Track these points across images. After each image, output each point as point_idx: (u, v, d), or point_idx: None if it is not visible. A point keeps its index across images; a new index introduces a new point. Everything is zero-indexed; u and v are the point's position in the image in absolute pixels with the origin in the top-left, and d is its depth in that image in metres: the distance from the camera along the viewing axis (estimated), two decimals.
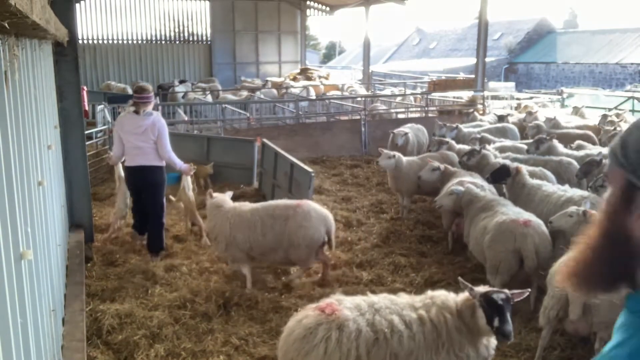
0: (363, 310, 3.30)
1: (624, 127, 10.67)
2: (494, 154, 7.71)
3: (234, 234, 5.52)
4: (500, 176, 6.34)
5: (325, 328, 3.16)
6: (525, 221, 4.98)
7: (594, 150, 7.97)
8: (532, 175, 6.46)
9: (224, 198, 5.90)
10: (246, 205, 5.84)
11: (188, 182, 7.01)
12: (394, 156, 7.86)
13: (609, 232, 1.01)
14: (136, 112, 6.35)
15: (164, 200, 6.64)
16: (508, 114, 12.23)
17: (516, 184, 6.21)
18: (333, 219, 5.76)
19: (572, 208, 4.89)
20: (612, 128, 10.01)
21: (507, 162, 6.84)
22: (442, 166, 7.18)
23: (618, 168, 1.01)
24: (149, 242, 6.52)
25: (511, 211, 5.28)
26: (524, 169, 6.34)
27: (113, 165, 7.24)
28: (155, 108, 13.89)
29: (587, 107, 16.35)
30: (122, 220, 7.15)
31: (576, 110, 14.09)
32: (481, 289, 3.30)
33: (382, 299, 3.43)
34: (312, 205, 5.70)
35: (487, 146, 8.25)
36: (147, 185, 6.46)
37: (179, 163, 6.63)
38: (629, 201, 0.98)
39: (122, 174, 6.99)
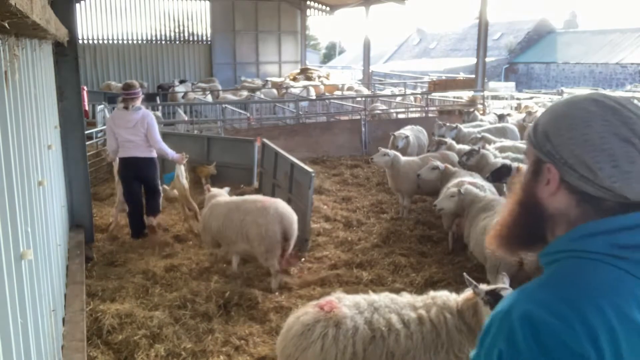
0: (362, 308, 3.30)
1: None
2: (493, 154, 7.71)
3: (210, 222, 5.86)
4: (501, 175, 6.33)
5: (323, 325, 3.17)
6: None
7: None
8: None
9: (220, 191, 6.29)
10: (228, 198, 6.16)
11: (181, 170, 7.27)
12: (389, 153, 7.87)
13: (523, 200, 1.22)
14: (125, 107, 6.77)
15: (159, 185, 7.14)
16: (508, 114, 12.22)
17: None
18: (295, 222, 5.65)
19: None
20: None
21: (507, 161, 6.84)
22: (442, 165, 7.18)
23: (530, 146, 1.22)
24: (147, 206, 7.05)
25: None
26: (524, 168, 6.34)
27: (112, 161, 7.59)
28: (156, 108, 14.00)
29: None
30: (122, 212, 7.31)
31: None
32: (485, 287, 3.30)
33: (382, 298, 3.43)
34: (277, 204, 5.71)
35: (487, 146, 8.24)
36: (141, 176, 6.88)
37: (171, 153, 7.03)
38: (537, 173, 1.19)
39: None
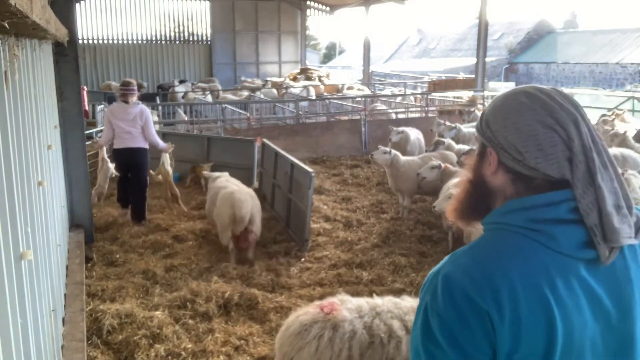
0: (363, 312, 3.28)
1: (621, 126, 10.60)
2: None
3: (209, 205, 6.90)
4: None
5: (320, 326, 3.16)
6: None
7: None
8: None
9: (219, 175, 7.30)
10: (217, 184, 6.96)
11: (166, 158, 8.10)
12: (389, 152, 7.86)
13: (472, 179, 1.44)
14: (125, 102, 7.37)
15: (147, 177, 7.74)
16: None
17: None
18: (244, 209, 6.20)
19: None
20: (610, 127, 10.01)
21: None
22: (442, 165, 7.18)
23: (478, 134, 1.42)
24: (133, 213, 7.62)
25: None
26: None
27: (99, 148, 8.40)
28: (156, 108, 14.01)
29: (587, 107, 16.34)
30: (102, 196, 8.33)
31: None
32: None
33: (386, 302, 3.39)
34: (236, 190, 6.47)
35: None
36: (134, 164, 7.52)
37: (161, 143, 7.84)
38: (482, 156, 1.40)
39: (106, 156, 8.27)
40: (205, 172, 8.04)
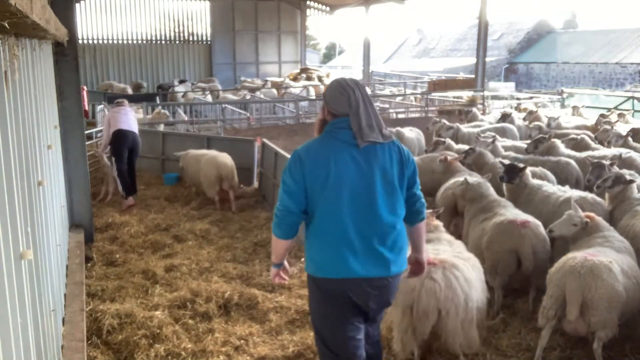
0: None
1: (621, 126, 10.57)
2: (499, 152, 7.74)
3: (185, 167, 8.82)
4: (513, 174, 6.25)
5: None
6: (522, 222, 4.97)
7: (601, 151, 7.93)
8: (533, 175, 6.45)
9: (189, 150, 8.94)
10: (199, 151, 8.83)
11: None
12: None
13: (321, 118, 3.13)
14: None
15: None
16: (511, 113, 12.19)
17: (520, 182, 6.19)
18: (228, 168, 8.19)
19: (570, 213, 4.77)
20: (610, 127, 10.00)
21: (507, 161, 6.82)
22: (448, 158, 7.17)
23: (324, 104, 3.10)
24: (132, 188, 8.63)
25: (509, 212, 5.27)
26: (528, 169, 6.31)
27: (101, 153, 8.98)
28: (156, 108, 13.99)
29: (587, 107, 16.34)
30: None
31: (576, 110, 14.07)
32: None
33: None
34: (218, 154, 8.44)
35: (497, 143, 8.26)
36: (138, 145, 8.64)
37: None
38: (324, 109, 3.10)
39: (107, 161, 8.90)
40: (176, 153, 9.04)
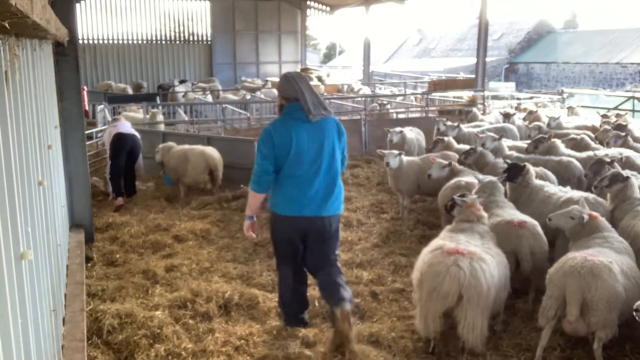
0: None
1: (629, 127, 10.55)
2: (503, 151, 7.73)
3: (167, 161, 9.06)
4: (515, 174, 6.25)
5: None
6: (519, 222, 4.97)
7: (601, 151, 7.93)
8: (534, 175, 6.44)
9: (171, 144, 9.26)
10: (183, 147, 9.18)
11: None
12: (400, 154, 7.84)
13: (280, 104, 4.55)
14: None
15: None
16: (514, 113, 12.18)
17: (523, 182, 6.18)
18: (216, 159, 8.83)
19: (575, 208, 4.84)
20: (610, 128, 10.01)
21: (509, 161, 6.82)
22: (452, 162, 7.18)
23: (278, 93, 4.54)
24: (132, 189, 8.97)
25: (506, 213, 5.26)
26: (532, 169, 6.30)
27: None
28: (156, 108, 14.00)
29: (587, 107, 16.35)
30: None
31: (571, 111, 14.06)
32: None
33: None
34: (204, 148, 8.99)
35: (501, 142, 8.24)
36: (137, 147, 8.85)
37: None
38: (280, 96, 4.50)
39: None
40: (158, 148, 9.22)
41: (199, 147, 9.01)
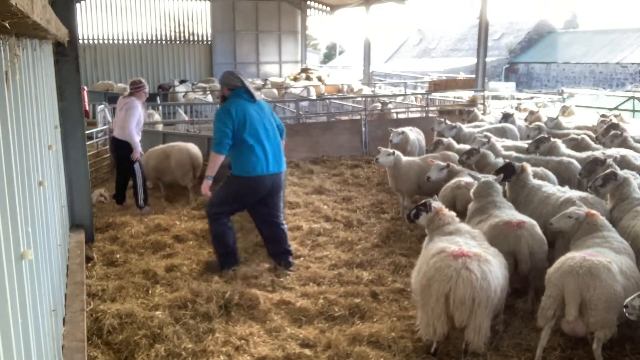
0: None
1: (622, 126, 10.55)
2: (498, 151, 7.72)
3: (145, 162, 8.70)
4: (506, 174, 6.26)
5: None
6: (518, 222, 4.96)
7: (601, 151, 7.92)
8: (534, 175, 6.44)
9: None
10: (165, 145, 9.31)
11: None
12: (393, 153, 7.85)
13: (223, 94, 5.92)
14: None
15: (134, 169, 8.18)
16: (513, 113, 12.18)
17: (519, 182, 6.18)
18: (197, 157, 8.90)
19: (572, 208, 4.88)
20: (604, 125, 10.02)
21: (508, 160, 6.82)
22: (450, 164, 7.17)
23: (222, 86, 5.93)
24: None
25: (504, 214, 5.26)
26: (530, 168, 6.30)
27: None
28: (156, 108, 14.00)
29: (587, 107, 16.34)
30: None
31: (564, 110, 14.03)
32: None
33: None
34: (186, 145, 8.99)
35: (494, 142, 8.22)
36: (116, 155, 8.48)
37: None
38: (223, 88, 5.92)
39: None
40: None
41: (178, 144, 8.98)
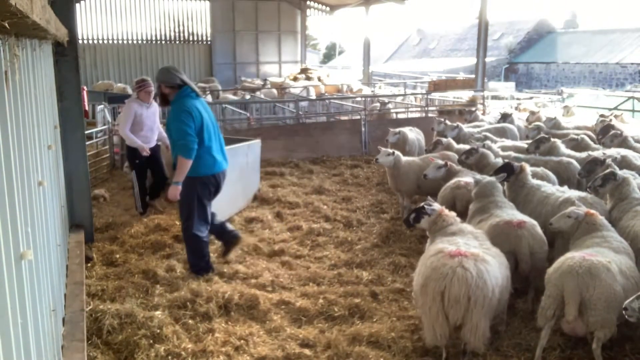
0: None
1: (619, 126, 10.59)
2: (495, 153, 7.70)
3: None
4: (506, 174, 6.26)
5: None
6: (518, 222, 4.97)
7: (601, 151, 7.92)
8: (534, 175, 6.44)
9: None
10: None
11: None
12: (392, 153, 7.85)
13: (165, 92, 5.73)
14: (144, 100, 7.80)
15: (131, 171, 8.10)
16: (512, 113, 12.18)
17: (518, 182, 6.18)
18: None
19: (572, 208, 4.88)
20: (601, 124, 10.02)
21: (507, 160, 6.82)
22: (448, 163, 7.17)
23: (159, 82, 5.68)
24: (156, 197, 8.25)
25: (505, 213, 5.26)
26: (528, 168, 6.30)
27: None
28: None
29: (587, 107, 16.33)
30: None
31: (567, 110, 14.04)
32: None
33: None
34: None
35: (490, 143, 8.21)
36: (157, 158, 8.10)
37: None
38: (165, 87, 5.67)
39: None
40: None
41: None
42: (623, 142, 8.64)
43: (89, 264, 6.06)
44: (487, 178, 5.82)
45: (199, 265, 5.88)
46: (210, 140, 5.61)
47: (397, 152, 7.97)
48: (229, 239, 6.23)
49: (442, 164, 7.13)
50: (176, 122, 5.46)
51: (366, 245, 6.89)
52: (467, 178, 6.56)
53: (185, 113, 5.41)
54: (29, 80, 3.39)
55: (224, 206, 7.13)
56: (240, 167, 8.27)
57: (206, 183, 5.70)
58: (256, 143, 8.97)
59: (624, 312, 3.35)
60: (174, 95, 5.61)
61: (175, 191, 5.53)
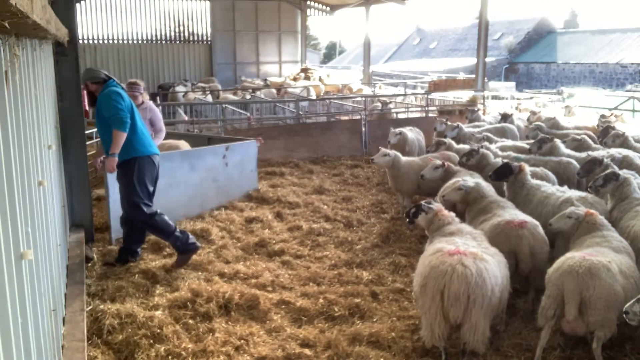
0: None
1: (620, 127, 10.61)
2: (494, 153, 7.70)
3: None
4: (503, 174, 6.29)
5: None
6: (520, 222, 4.96)
7: (601, 151, 7.92)
8: (534, 175, 6.44)
9: None
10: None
11: None
12: (390, 154, 7.85)
13: (91, 89, 5.97)
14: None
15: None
16: (512, 114, 12.18)
17: (517, 182, 6.18)
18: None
19: (572, 209, 4.88)
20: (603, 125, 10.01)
21: (507, 161, 6.82)
22: (446, 163, 7.17)
23: (88, 83, 5.91)
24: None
25: (507, 213, 5.27)
26: (527, 168, 6.31)
27: None
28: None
29: (587, 107, 16.33)
30: None
31: (568, 110, 14.04)
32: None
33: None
34: (175, 144, 8.79)
35: (488, 144, 8.21)
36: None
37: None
38: (92, 93, 5.93)
39: None
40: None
41: (169, 142, 8.73)
42: (624, 142, 8.64)
43: (89, 264, 6.06)
44: (471, 183, 5.87)
45: (182, 240, 5.91)
46: (139, 122, 5.87)
47: (396, 153, 7.97)
48: (133, 243, 6.22)
49: (440, 164, 7.13)
50: (107, 102, 5.63)
51: (366, 245, 6.89)
52: (468, 178, 6.57)
53: (115, 94, 5.64)
54: (29, 80, 3.39)
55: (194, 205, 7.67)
56: (213, 166, 8.42)
57: (144, 162, 5.82)
58: (249, 143, 9.03)
59: (624, 315, 3.35)
60: (100, 90, 5.80)
61: (112, 162, 5.61)
